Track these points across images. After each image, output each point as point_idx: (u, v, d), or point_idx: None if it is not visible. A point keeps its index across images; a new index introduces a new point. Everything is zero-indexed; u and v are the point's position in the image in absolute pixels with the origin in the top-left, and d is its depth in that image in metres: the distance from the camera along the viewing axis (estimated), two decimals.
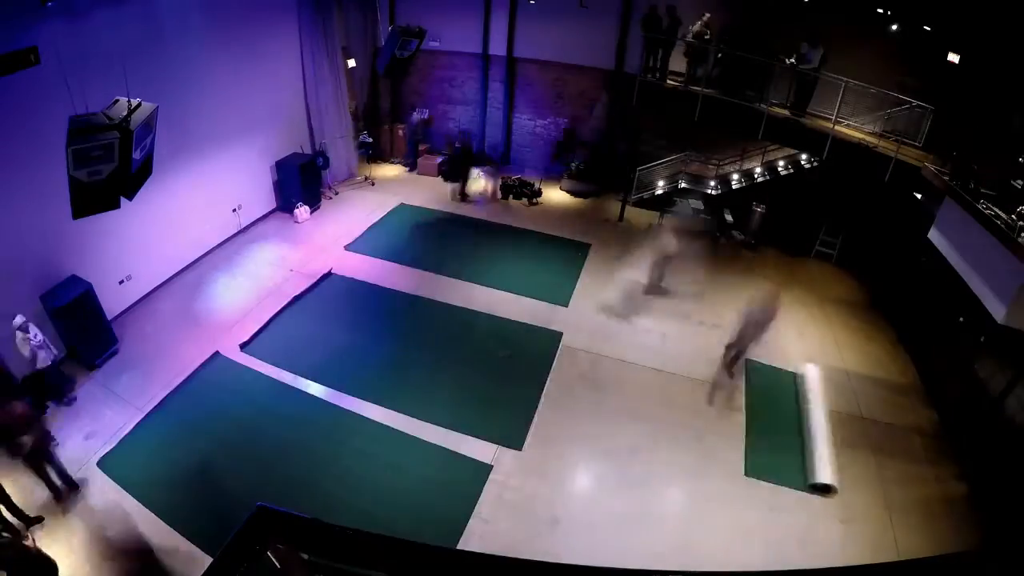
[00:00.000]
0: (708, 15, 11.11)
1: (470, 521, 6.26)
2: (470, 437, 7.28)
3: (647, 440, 7.43)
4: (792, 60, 10.39)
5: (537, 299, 10.08)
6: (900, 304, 10.31)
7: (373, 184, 14.25)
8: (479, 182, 14.10)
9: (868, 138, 9.98)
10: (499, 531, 6.20)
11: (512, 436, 7.35)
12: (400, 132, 15.63)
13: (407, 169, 15.45)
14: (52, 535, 5.81)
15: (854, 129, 10.20)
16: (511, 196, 13.99)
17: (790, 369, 8.82)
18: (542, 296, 10.17)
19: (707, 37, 11.17)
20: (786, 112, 10.75)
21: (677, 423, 7.72)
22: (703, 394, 8.27)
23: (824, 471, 6.91)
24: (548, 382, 8.32)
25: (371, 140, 14.79)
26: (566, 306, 10.03)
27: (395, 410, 7.61)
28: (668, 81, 11.82)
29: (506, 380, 8.30)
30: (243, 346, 8.53)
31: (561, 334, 9.26)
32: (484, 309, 9.77)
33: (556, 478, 6.90)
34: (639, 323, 9.69)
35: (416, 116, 15.31)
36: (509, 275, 10.72)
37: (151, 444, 6.92)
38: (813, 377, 8.42)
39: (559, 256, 11.66)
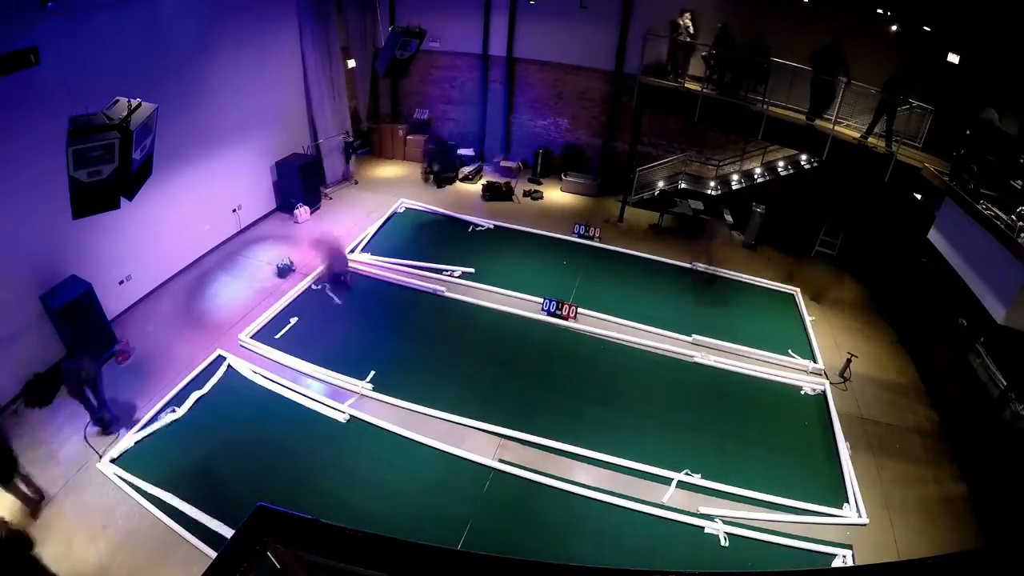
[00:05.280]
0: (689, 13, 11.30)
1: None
2: (471, 437, 7.29)
3: None
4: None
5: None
6: (900, 304, 10.31)
7: (356, 183, 14.10)
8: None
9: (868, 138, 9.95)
10: None
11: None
12: (400, 132, 15.34)
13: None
14: (52, 535, 5.81)
15: (854, 129, 10.19)
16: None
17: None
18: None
19: (692, 32, 11.36)
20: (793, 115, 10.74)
21: None
22: None
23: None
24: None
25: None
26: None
27: (400, 399, 7.75)
28: (667, 81, 11.81)
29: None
30: (251, 337, 8.66)
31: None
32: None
33: None
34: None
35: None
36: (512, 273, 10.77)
37: (151, 444, 6.91)
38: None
39: (560, 256, 11.67)
